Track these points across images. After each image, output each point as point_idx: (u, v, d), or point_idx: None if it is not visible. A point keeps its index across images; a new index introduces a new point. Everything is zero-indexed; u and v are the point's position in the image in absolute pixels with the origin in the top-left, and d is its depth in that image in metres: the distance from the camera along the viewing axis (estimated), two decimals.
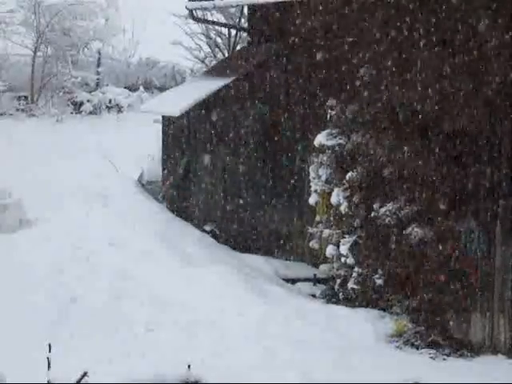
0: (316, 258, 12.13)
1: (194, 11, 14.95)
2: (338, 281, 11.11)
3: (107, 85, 26.37)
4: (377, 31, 10.96)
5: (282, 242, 13.11)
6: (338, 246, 10.88)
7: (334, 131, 11.23)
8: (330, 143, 11.17)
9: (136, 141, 17.67)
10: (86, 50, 27.26)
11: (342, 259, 10.84)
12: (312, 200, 11.47)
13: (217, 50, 23.03)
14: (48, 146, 18.35)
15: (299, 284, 12.00)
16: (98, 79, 26.48)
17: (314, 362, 9.07)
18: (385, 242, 10.41)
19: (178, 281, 10.83)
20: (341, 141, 11.09)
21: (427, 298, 10.09)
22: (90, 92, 25.49)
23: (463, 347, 9.93)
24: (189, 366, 7.79)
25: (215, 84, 13.09)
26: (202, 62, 24.13)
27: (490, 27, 9.69)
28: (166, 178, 13.29)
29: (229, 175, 13.05)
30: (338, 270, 11.10)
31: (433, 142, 10.10)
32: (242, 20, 18.74)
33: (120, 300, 10.32)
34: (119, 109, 25.25)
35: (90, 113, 24.71)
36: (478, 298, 9.94)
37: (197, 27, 22.99)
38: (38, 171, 15.23)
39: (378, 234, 10.47)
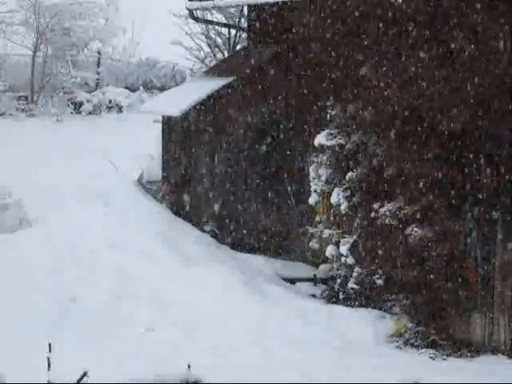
0: (316, 258, 12.13)
1: (193, 11, 14.96)
2: (338, 281, 11.11)
3: (107, 85, 26.41)
4: (377, 32, 10.94)
5: (281, 242, 13.10)
6: (338, 246, 10.88)
7: (333, 131, 11.21)
8: (329, 143, 11.16)
9: (136, 141, 17.68)
10: (85, 50, 27.29)
11: (342, 259, 10.84)
12: (312, 200, 11.47)
13: (217, 49, 23.06)
14: (48, 145, 18.38)
15: (299, 284, 11.99)
16: (97, 79, 26.52)
17: (314, 361, 9.08)
18: (385, 242, 10.40)
19: (178, 281, 10.84)
20: (341, 141, 11.08)
21: (427, 298, 10.08)
22: (90, 92, 25.53)
23: (463, 347, 9.92)
24: (189, 366, 7.78)
25: (215, 84, 13.08)
26: (202, 61, 24.15)
27: (488, 27, 9.70)
28: (166, 178, 13.29)
29: (229, 175, 13.05)
30: (338, 269, 11.10)
31: (433, 142, 10.09)
32: (242, 20, 18.76)
33: (120, 300, 10.32)
34: (119, 109, 25.29)
35: (90, 113, 24.76)
36: (477, 298, 9.93)
37: (197, 27, 23.03)
38: (38, 171, 15.26)
39: (378, 234, 10.46)
